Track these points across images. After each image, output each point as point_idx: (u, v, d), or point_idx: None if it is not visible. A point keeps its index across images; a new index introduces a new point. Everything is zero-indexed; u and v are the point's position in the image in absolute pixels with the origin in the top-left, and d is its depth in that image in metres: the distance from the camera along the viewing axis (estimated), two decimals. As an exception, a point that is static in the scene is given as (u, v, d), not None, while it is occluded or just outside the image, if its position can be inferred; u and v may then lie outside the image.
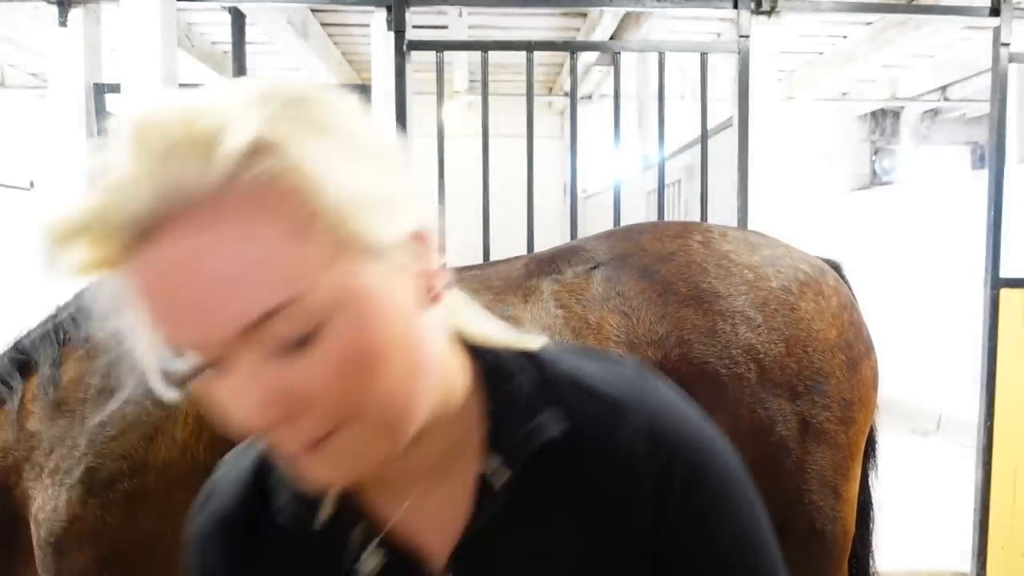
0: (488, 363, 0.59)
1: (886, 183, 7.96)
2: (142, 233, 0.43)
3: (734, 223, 2.47)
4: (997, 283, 2.52)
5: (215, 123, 0.42)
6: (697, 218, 2.60)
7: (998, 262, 2.53)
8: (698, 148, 2.62)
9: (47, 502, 1.23)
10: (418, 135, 2.56)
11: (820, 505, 1.41)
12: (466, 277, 1.49)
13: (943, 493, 3.98)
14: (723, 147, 2.74)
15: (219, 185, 0.43)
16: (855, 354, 1.47)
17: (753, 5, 2.45)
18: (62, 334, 1.33)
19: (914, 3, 4.27)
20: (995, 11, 2.51)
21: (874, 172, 8.41)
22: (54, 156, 2.44)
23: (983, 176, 2.68)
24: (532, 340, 0.62)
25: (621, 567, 0.57)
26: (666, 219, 3.54)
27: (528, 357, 0.60)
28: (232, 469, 0.65)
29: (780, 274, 1.47)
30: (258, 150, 0.43)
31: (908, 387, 5.85)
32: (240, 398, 0.46)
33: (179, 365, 0.47)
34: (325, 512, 0.57)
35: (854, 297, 1.61)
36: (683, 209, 4.03)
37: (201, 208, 0.43)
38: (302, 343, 0.45)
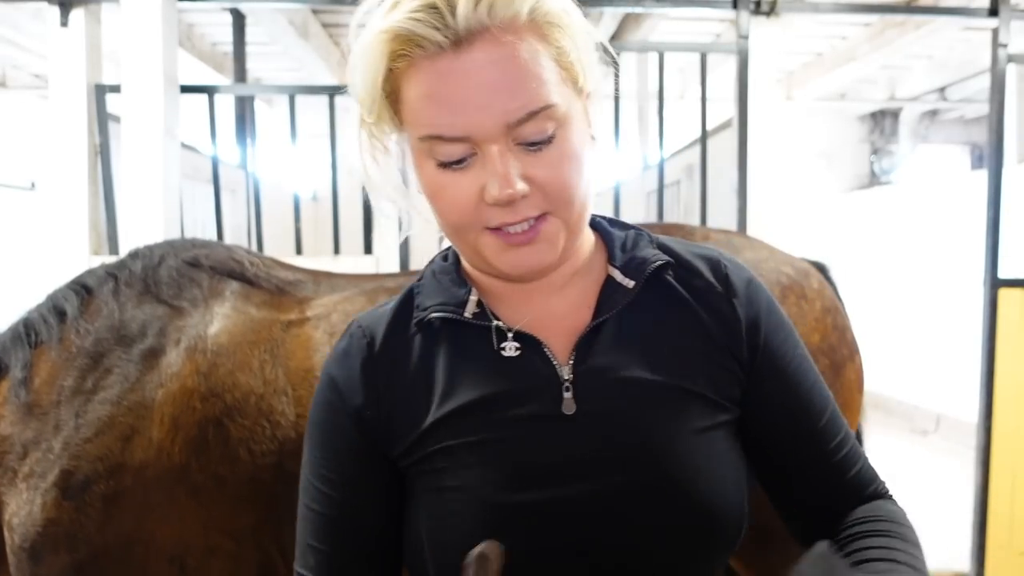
0: (602, 222, 0.77)
1: (885, 183, 7.97)
2: (456, 41, 0.59)
3: (734, 223, 2.47)
4: (996, 283, 2.53)
5: None
6: (697, 218, 2.61)
7: (997, 262, 2.54)
8: (698, 148, 2.63)
9: (21, 507, 1.20)
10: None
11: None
12: None
13: (942, 493, 3.98)
14: (723, 147, 2.74)
15: (520, 13, 0.60)
16: (839, 358, 1.46)
17: (753, 6, 2.46)
18: (33, 335, 1.30)
19: (913, 4, 4.28)
20: (993, 12, 2.51)
21: (873, 172, 8.42)
22: (55, 157, 2.44)
23: (982, 176, 2.69)
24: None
25: (717, 369, 0.70)
26: (666, 219, 3.55)
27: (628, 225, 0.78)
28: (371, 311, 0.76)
29: (762, 277, 1.45)
30: None
31: (907, 387, 5.86)
32: (487, 175, 0.61)
33: (435, 156, 0.62)
34: (470, 311, 0.70)
35: (839, 300, 1.60)
36: (683, 209, 4.04)
37: (505, 29, 0.59)
38: (540, 143, 0.61)
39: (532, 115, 0.60)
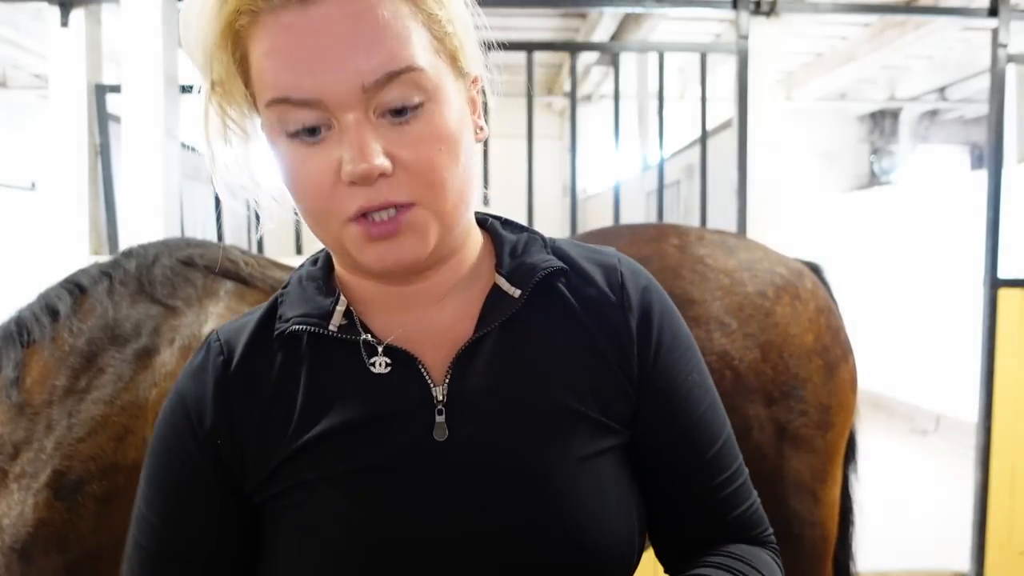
0: (495, 223, 0.70)
1: (885, 183, 7.97)
2: None
3: (734, 223, 2.47)
4: (995, 283, 2.53)
5: None
6: (697, 218, 2.61)
7: (996, 262, 2.54)
8: (698, 148, 2.63)
9: (12, 507, 1.19)
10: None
11: (797, 510, 1.41)
12: None
13: (941, 493, 3.98)
14: (723, 147, 2.74)
15: None
16: (832, 358, 1.46)
17: (753, 6, 2.46)
18: (25, 334, 1.29)
19: (913, 4, 4.28)
20: (993, 12, 2.51)
21: (873, 172, 8.42)
22: (55, 157, 2.44)
23: (982, 176, 2.69)
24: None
25: (606, 386, 0.64)
26: (665, 219, 3.55)
27: (526, 228, 0.71)
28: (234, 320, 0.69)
29: (756, 278, 1.46)
30: None
31: (906, 387, 5.86)
32: (342, 149, 0.53)
33: (285, 126, 0.54)
34: (335, 323, 0.63)
35: (833, 300, 1.60)
36: (683, 209, 4.04)
37: None
38: (406, 113, 0.54)
39: (392, 76, 0.53)
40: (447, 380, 0.62)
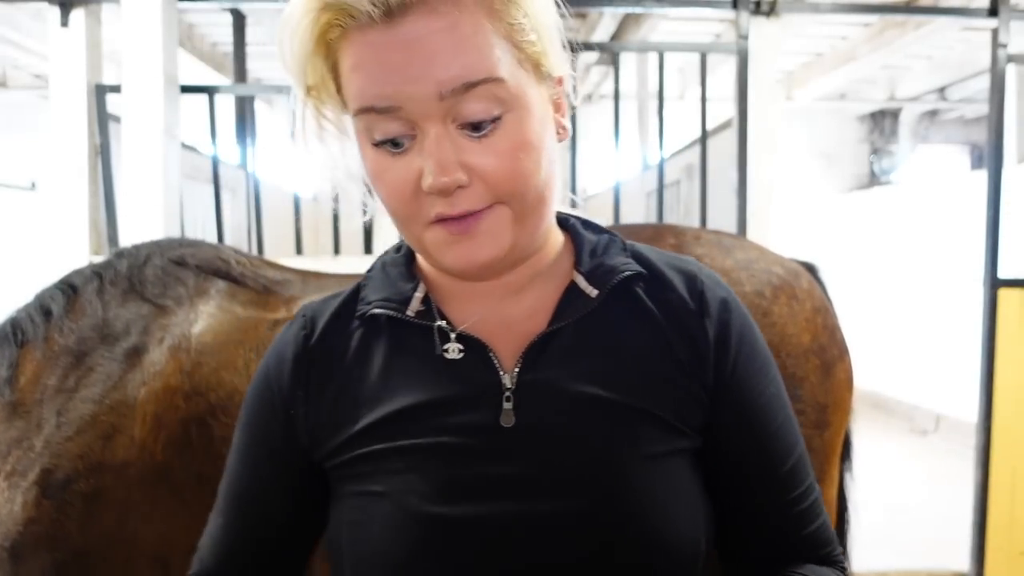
0: (576, 224, 0.71)
1: (885, 183, 7.97)
2: (388, 12, 0.54)
3: (734, 223, 2.47)
4: (995, 283, 2.53)
5: None
6: (696, 218, 2.61)
7: (996, 262, 2.54)
8: (698, 148, 2.63)
9: (2, 506, 1.20)
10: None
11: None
12: None
13: (941, 493, 3.98)
14: (723, 147, 2.74)
15: None
16: (829, 358, 1.47)
17: (753, 6, 2.46)
18: (20, 334, 1.30)
19: (913, 4, 4.28)
20: (993, 12, 2.51)
21: (873, 172, 8.42)
22: (55, 157, 2.44)
23: (982, 176, 2.69)
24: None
25: (680, 391, 0.64)
26: (665, 220, 3.55)
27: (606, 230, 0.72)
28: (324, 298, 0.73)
29: (753, 278, 1.46)
30: None
31: (907, 387, 5.86)
32: (423, 161, 0.56)
33: (371, 135, 0.58)
34: (413, 309, 0.66)
35: (829, 300, 1.61)
36: (683, 209, 4.04)
37: (444, 1, 0.55)
38: (485, 127, 0.56)
39: (469, 86, 0.55)
40: (517, 369, 0.63)
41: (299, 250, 2.60)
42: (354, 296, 0.70)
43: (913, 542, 3.18)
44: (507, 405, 0.62)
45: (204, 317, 1.33)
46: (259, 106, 6.93)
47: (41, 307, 1.33)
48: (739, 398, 0.65)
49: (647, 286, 0.67)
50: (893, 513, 3.54)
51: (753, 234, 2.46)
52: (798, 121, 7.90)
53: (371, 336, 0.67)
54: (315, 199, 7.42)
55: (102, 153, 2.43)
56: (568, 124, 0.65)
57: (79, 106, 2.41)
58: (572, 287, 0.66)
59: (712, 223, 2.61)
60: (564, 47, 0.64)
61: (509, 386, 0.63)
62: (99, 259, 1.46)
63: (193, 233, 3.01)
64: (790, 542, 0.66)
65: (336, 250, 2.57)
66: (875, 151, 8.43)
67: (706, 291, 0.67)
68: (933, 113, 8.32)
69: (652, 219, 4.19)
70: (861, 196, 7.36)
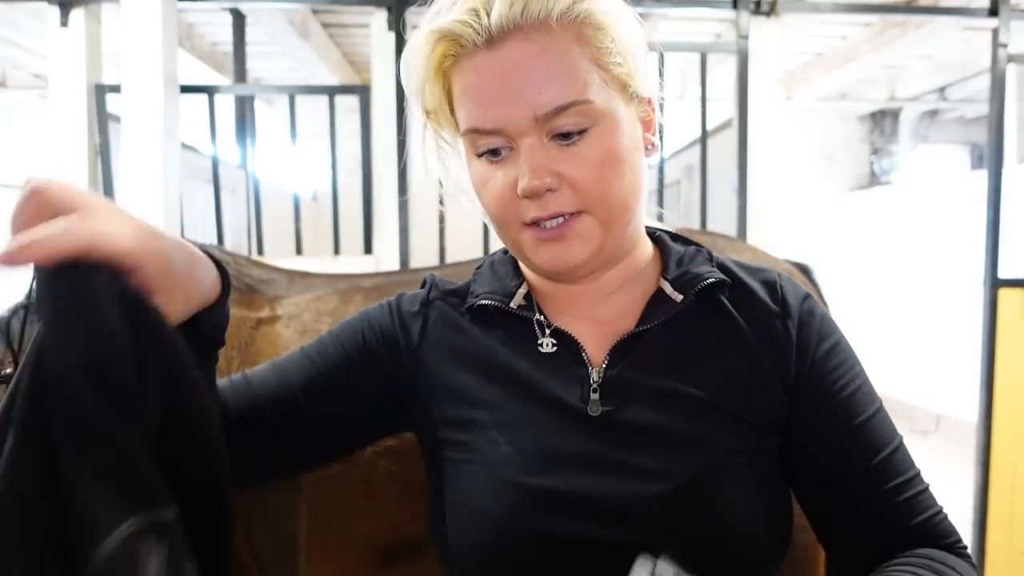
0: (664, 236, 0.78)
1: (885, 183, 7.96)
2: (489, 39, 0.62)
3: (734, 223, 2.47)
4: (996, 283, 2.53)
5: None
6: (697, 218, 2.61)
7: (997, 262, 2.54)
8: (698, 148, 2.63)
9: None
10: (418, 135, 2.56)
11: (787, 515, 1.39)
12: (392, 281, 1.46)
13: (942, 493, 3.97)
14: (723, 147, 2.74)
15: (552, 12, 0.62)
16: None
17: (753, 5, 2.46)
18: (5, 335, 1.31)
19: (913, 4, 4.28)
20: (993, 12, 2.51)
21: (873, 172, 8.42)
22: (55, 157, 2.44)
23: (982, 176, 2.69)
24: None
25: (759, 392, 0.68)
26: (666, 219, 3.54)
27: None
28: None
29: None
30: None
31: (907, 387, 5.85)
32: (519, 169, 0.64)
33: (476, 149, 0.67)
34: (516, 302, 0.73)
35: (823, 301, 1.60)
36: (683, 209, 4.04)
37: (536, 28, 0.62)
38: (573, 137, 0.63)
39: (560, 110, 0.62)
40: (604, 364, 0.69)
41: (299, 250, 2.60)
42: (466, 288, 0.78)
43: (913, 542, 3.18)
44: (594, 396, 0.68)
45: None
46: (259, 106, 6.93)
47: (23, 306, 1.33)
48: (822, 393, 0.68)
49: (730, 292, 0.72)
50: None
51: (753, 234, 2.46)
52: (798, 121, 7.89)
53: (479, 323, 0.74)
54: (315, 199, 7.44)
55: (102, 153, 2.43)
56: (657, 141, 0.71)
57: (79, 106, 2.41)
58: (659, 292, 0.72)
59: (712, 223, 2.61)
60: (653, 70, 0.70)
61: (596, 379, 0.69)
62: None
63: (193, 233, 3.01)
64: (902, 531, 0.67)
65: (336, 250, 2.57)
66: (875, 151, 8.42)
67: (786, 294, 0.72)
68: (933, 113, 8.31)
69: (652, 219, 4.18)
70: (861, 196, 7.35)
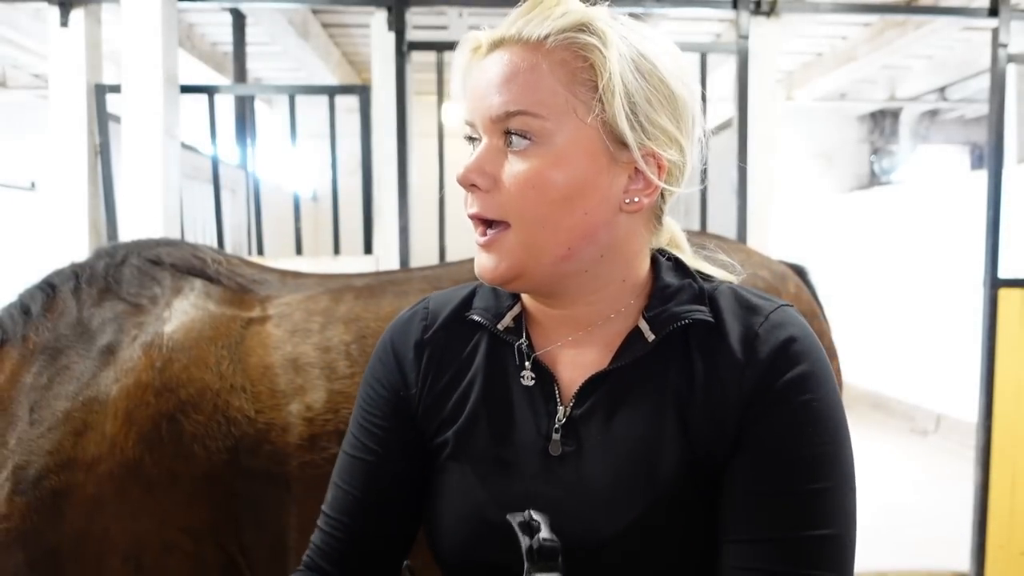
0: (664, 267, 0.75)
1: (885, 183, 7.96)
2: (490, 47, 0.68)
3: (734, 223, 2.47)
4: (996, 283, 2.53)
5: (570, 9, 0.66)
6: (697, 218, 2.61)
7: (997, 262, 2.54)
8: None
9: None
10: (418, 135, 2.57)
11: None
12: (416, 276, 1.47)
13: (942, 493, 3.98)
14: (723, 147, 2.74)
15: (552, 32, 0.65)
16: None
17: (753, 5, 2.46)
18: (1, 333, 1.31)
19: (913, 4, 4.28)
20: (993, 12, 2.51)
21: (873, 172, 8.42)
22: (55, 157, 2.44)
23: (982, 176, 2.69)
24: (720, 272, 0.77)
25: (705, 437, 0.66)
26: (666, 219, 3.54)
27: (703, 276, 0.75)
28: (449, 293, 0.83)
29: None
30: (584, 29, 0.65)
31: (907, 387, 5.85)
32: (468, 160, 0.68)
33: (464, 131, 0.71)
34: (503, 324, 0.74)
35: (818, 303, 1.60)
36: (683, 209, 4.04)
37: (528, 46, 0.66)
38: (516, 144, 0.66)
39: (509, 115, 0.65)
40: (572, 403, 0.70)
41: (299, 250, 2.60)
42: (470, 297, 0.79)
43: (913, 542, 3.18)
44: (555, 436, 0.70)
45: (178, 315, 1.33)
46: (259, 106, 6.93)
47: (21, 306, 1.34)
48: (760, 449, 0.64)
49: (700, 335, 0.69)
50: (893, 513, 3.54)
51: (753, 234, 2.46)
52: (798, 121, 7.89)
53: (476, 340, 0.76)
54: (315, 199, 7.44)
55: (102, 153, 2.43)
56: (644, 201, 0.69)
57: (79, 106, 2.41)
58: (636, 330, 0.71)
59: (712, 223, 2.61)
60: (674, 134, 0.69)
61: (561, 418, 0.70)
62: (99, 259, 1.47)
63: (193, 233, 3.01)
64: None
65: (336, 250, 2.57)
66: (875, 151, 8.42)
67: (759, 343, 0.66)
68: (933, 113, 8.31)
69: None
70: (861, 196, 7.35)
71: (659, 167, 0.68)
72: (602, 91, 0.65)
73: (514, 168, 0.66)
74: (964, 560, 2.68)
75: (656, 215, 0.74)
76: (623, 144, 0.66)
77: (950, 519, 3.16)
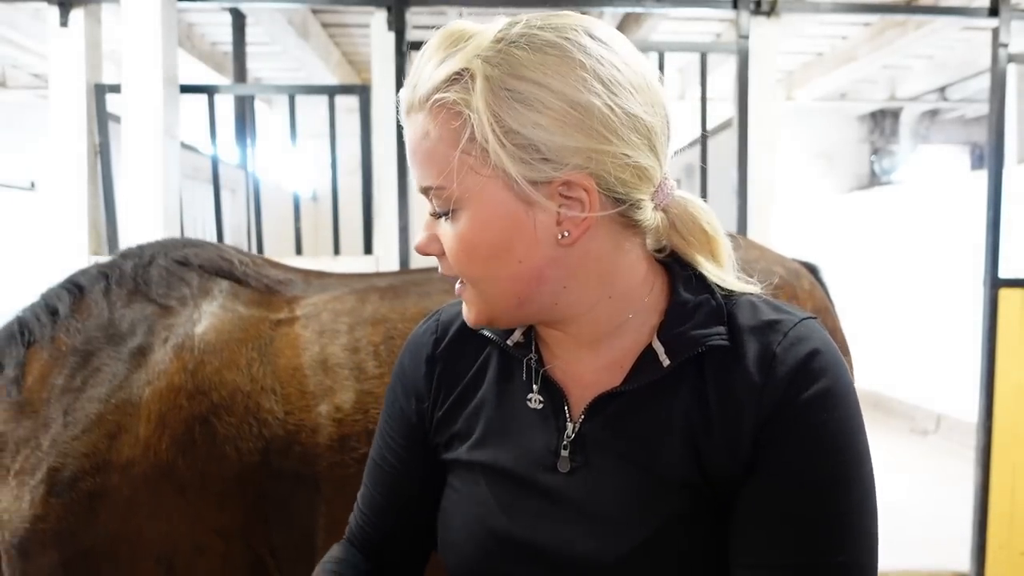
0: (682, 281, 0.70)
1: (885, 183, 7.96)
2: (406, 110, 0.66)
3: (733, 223, 2.47)
4: (996, 283, 2.53)
5: (450, 53, 0.63)
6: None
7: (997, 262, 2.54)
8: (698, 148, 2.63)
9: (11, 504, 1.21)
10: None
11: None
12: (435, 277, 1.46)
13: (941, 493, 3.98)
14: (723, 147, 2.74)
15: (428, 95, 0.63)
16: None
17: (753, 5, 2.46)
18: (27, 334, 1.31)
19: (913, 4, 4.28)
20: (994, 12, 2.51)
21: (873, 172, 8.42)
22: (55, 157, 2.44)
23: (982, 176, 2.69)
24: (742, 286, 0.72)
25: (718, 463, 0.64)
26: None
27: (721, 290, 0.70)
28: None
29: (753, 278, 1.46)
30: (455, 79, 0.62)
31: (907, 387, 5.85)
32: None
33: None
34: (513, 339, 0.74)
35: (830, 300, 1.60)
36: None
37: (419, 107, 0.64)
38: (445, 215, 0.66)
39: (426, 191, 0.67)
40: (581, 419, 0.70)
41: (299, 250, 2.60)
42: None
43: (913, 542, 3.18)
44: (564, 453, 0.69)
45: (207, 317, 1.33)
46: (259, 106, 6.93)
47: (47, 307, 1.33)
48: (777, 471, 0.62)
49: (717, 360, 0.65)
50: (893, 513, 3.54)
51: (753, 234, 2.46)
52: (798, 121, 7.89)
53: (486, 354, 0.77)
54: (315, 199, 7.44)
55: (102, 153, 2.43)
56: (575, 231, 0.64)
57: (79, 106, 2.41)
58: (650, 351, 0.68)
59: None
60: (588, 152, 0.62)
61: (570, 434, 0.69)
62: (98, 259, 1.46)
63: (193, 233, 3.01)
64: None
65: (336, 250, 2.57)
66: (875, 151, 8.42)
67: (776, 363, 0.63)
68: (933, 113, 8.31)
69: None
70: (861, 196, 7.35)
71: (586, 190, 0.62)
72: (481, 142, 0.61)
73: (446, 235, 0.67)
74: (964, 560, 2.68)
75: (625, 223, 0.66)
76: (532, 182, 0.61)
77: (950, 519, 3.16)
